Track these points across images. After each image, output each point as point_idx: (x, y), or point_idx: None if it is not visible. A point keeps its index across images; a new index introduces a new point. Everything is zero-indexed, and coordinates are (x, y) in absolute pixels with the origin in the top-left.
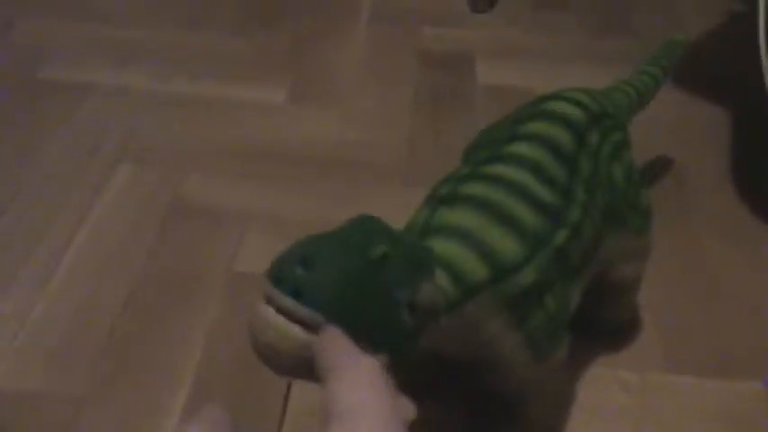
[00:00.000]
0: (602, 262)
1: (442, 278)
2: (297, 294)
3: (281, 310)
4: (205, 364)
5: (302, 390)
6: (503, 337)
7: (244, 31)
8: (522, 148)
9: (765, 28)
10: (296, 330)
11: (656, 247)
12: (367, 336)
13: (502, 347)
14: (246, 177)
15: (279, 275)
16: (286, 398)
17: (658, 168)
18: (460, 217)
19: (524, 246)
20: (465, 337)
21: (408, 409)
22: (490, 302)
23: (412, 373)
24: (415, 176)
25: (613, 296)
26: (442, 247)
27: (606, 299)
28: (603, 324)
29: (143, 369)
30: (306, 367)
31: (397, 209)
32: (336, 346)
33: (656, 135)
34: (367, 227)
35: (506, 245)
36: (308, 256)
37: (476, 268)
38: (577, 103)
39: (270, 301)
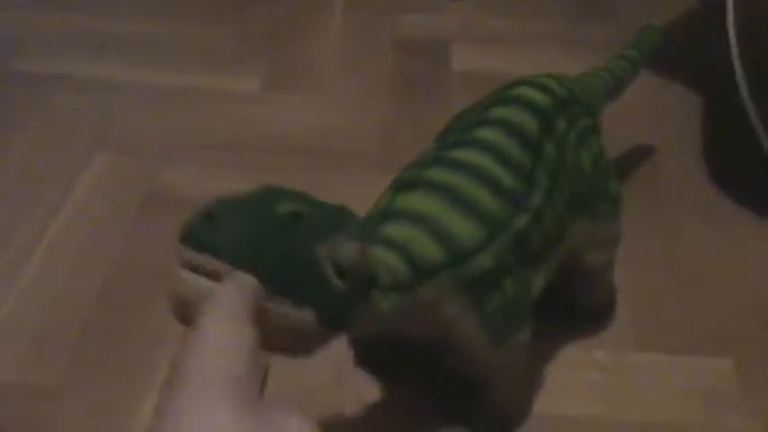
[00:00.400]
0: (569, 248)
1: (394, 259)
2: (200, 247)
3: (186, 265)
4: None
5: (279, 380)
6: (461, 320)
7: (218, 20)
8: (485, 133)
9: (734, 13)
10: (201, 281)
11: (630, 231)
12: (286, 288)
13: (460, 330)
14: (222, 166)
15: (183, 233)
16: (262, 385)
17: (633, 154)
18: (418, 201)
19: (482, 229)
20: (424, 319)
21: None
22: (447, 285)
23: (380, 355)
24: (392, 163)
25: (584, 281)
26: (397, 229)
27: (578, 284)
28: (579, 308)
29: (119, 359)
30: None
31: (374, 195)
32: (221, 300)
33: (630, 121)
34: (277, 191)
35: (464, 228)
36: (211, 213)
37: (431, 251)
38: (545, 89)
39: (179, 259)
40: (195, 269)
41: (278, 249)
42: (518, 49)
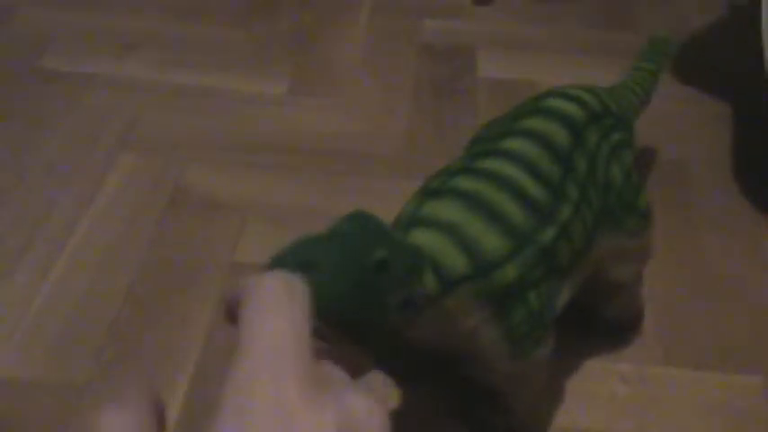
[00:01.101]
0: (595, 262)
1: (425, 272)
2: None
3: None
4: (205, 352)
5: None
6: (482, 331)
7: (244, 23)
8: (515, 144)
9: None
10: None
11: (657, 243)
12: (355, 333)
13: (481, 341)
14: (246, 168)
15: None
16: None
17: (661, 165)
18: (446, 210)
19: (509, 241)
20: (445, 330)
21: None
22: (471, 296)
23: (396, 363)
24: (415, 168)
25: (610, 296)
26: (425, 238)
27: (603, 298)
28: (603, 323)
29: (144, 358)
30: None
31: (397, 201)
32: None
33: (656, 130)
34: (366, 227)
35: (490, 239)
36: (308, 261)
37: (457, 261)
38: (578, 101)
39: None
40: None
41: (361, 304)
42: (543, 55)
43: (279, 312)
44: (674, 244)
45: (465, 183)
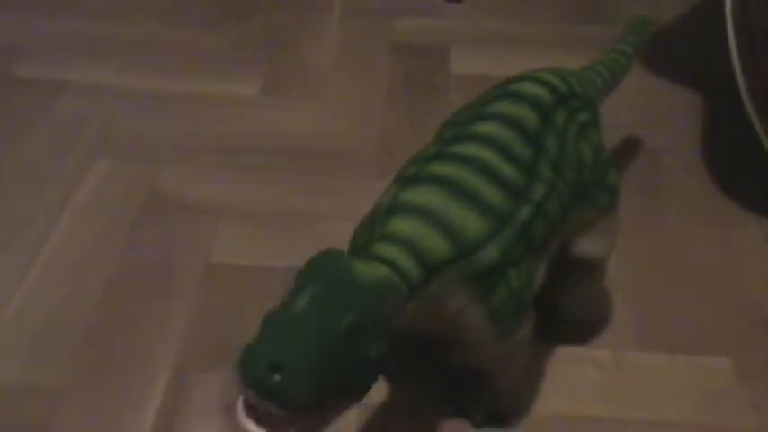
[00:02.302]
0: (565, 236)
1: (403, 257)
2: (266, 396)
3: (250, 408)
4: (184, 354)
5: None
6: (467, 313)
7: (216, 26)
8: (486, 128)
9: (732, 11)
10: None
11: (627, 229)
12: (339, 394)
13: (466, 322)
14: (221, 170)
15: (252, 380)
16: None
17: (632, 153)
18: (424, 196)
19: (488, 222)
20: (430, 313)
21: None
22: (454, 279)
23: (393, 365)
24: (391, 166)
25: (576, 277)
26: (405, 225)
27: (569, 281)
28: (569, 318)
29: (122, 361)
30: None
31: (372, 199)
32: None
33: (627, 118)
34: (330, 290)
35: (470, 222)
36: (276, 363)
37: (439, 246)
38: (543, 83)
39: (246, 399)
40: (257, 409)
41: (338, 373)
42: (516, 50)
43: None
44: (646, 231)
45: (440, 168)
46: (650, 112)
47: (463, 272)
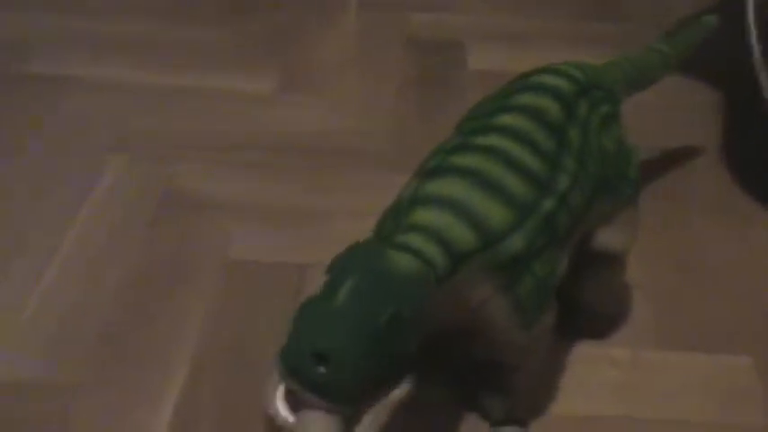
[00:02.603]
0: (586, 228)
1: (429, 247)
2: (318, 392)
3: (289, 396)
4: (200, 351)
5: None
6: (491, 303)
7: (228, 21)
8: (509, 119)
9: (754, 8)
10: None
11: (647, 227)
12: (377, 387)
13: (490, 313)
14: (236, 167)
15: (296, 370)
16: None
17: (652, 151)
18: (448, 187)
19: (512, 213)
20: (454, 304)
21: None
22: (479, 269)
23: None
24: (405, 163)
25: (596, 270)
26: (430, 215)
27: (589, 274)
28: (588, 312)
29: (139, 357)
30: None
31: (387, 195)
32: None
33: (647, 118)
34: (369, 282)
35: (494, 212)
36: (320, 354)
37: (464, 236)
38: (566, 75)
39: (291, 393)
40: (296, 398)
41: (382, 366)
42: (531, 46)
43: None
44: (666, 230)
45: (463, 159)
46: (670, 111)
47: (488, 262)
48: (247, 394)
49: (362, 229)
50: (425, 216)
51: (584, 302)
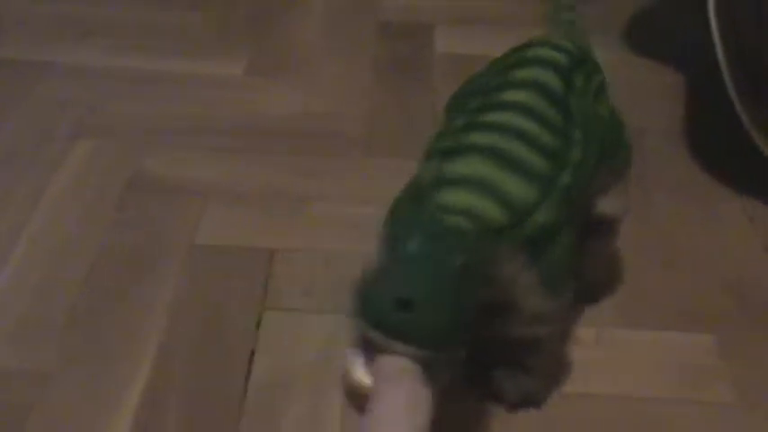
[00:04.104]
0: (591, 196)
1: (468, 226)
2: (404, 338)
3: (369, 347)
4: (168, 335)
5: (265, 360)
6: (522, 275)
7: (201, 5)
8: (517, 95)
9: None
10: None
11: None
12: (454, 339)
13: (520, 284)
14: (206, 151)
15: (380, 318)
16: (249, 369)
17: None
18: (471, 166)
19: (536, 188)
20: (487, 279)
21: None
22: (509, 244)
23: None
24: (377, 146)
25: (594, 237)
26: (459, 196)
27: (588, 241)
28: (582, 280)
29: (107, 342)
30: None
31: (360, 178)
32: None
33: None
34: (437, 235)
35: (520, 189)
36: (403, 300)
37: (495, 213)
38: (560, 48)
39: (374, 345)
40: (374, 347)
41: (462, 311)
42: (501, 29)
43: (397, 391)
44: (630, 211)
45: (480, 138)
46: (634, 93)
47: (517, 237)
48: (215, 380)
49: (335, 212)
50: (455, 196)
51: (580, 270)
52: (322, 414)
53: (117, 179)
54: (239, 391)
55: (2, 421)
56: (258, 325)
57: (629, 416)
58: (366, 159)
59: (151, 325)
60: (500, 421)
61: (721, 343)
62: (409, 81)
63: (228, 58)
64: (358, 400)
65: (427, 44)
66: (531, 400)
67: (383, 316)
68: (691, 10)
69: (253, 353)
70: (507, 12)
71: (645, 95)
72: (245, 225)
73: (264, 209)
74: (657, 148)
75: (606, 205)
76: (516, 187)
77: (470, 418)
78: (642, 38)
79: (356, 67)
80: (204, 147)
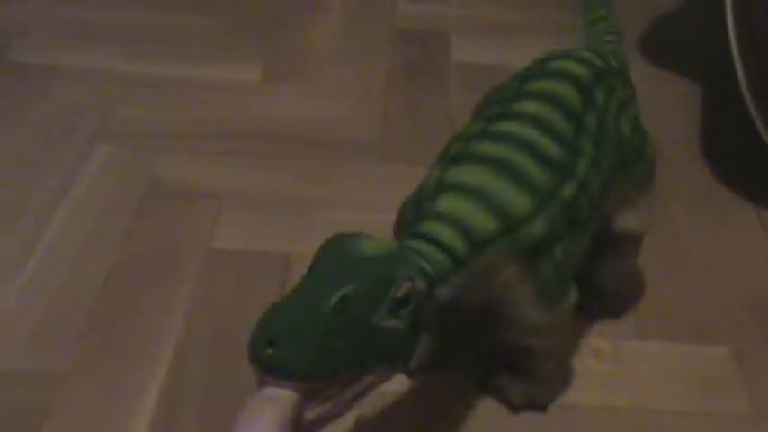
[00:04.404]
0: (605, 211)
1: (449, 235)
2: (271, 372)
3: (262, 385)
4: (184, 340)
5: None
6: (513, 287)
7: (216, 10)
8: (528, 106)
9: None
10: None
11: None
12: (360, 366)
13: (514, 296)
14: (222, 156)
15: (254, 357)
16: None
17: None
18: (470, 174)
19: (533, 199)
20: (476, 287)
21: None
22: (501, 254)
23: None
24: (391, 152)
25: (613, 252)
26: (451, 203)
27: (606, 256)
28: (602, 293)
29: (123, 346)
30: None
31: (373, 185)
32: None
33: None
34: (330, 266)
35: (515, 199)
36: (272, 336)
37: (485, 222)
38: (582, 61)
39: (259, 380)
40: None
41: (340, 343)
42: (516, 38)
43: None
44: (652, 227)
45: (485, 147)
46: (650, 103)
47: (510, 247)
48: (231, 383)
49: (348, 218)
50: (447, 204)
51: (601, 285)
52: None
53: (133, 184)
54: None
55: (20, 422)
56: None
57: (646, 428)
58: (379, 165)
59: (168, 328)
60: (509, 429)
61: (737, 355)
62: (423, 88)
63: (242, 62)
64: None
65: (442, 52)
66: (536, 402)
67: (256, 353)
68: (708, 20)
69: None
70: (523, 21)
71: (660, 106)
72: (261, 229)
73: (279, 213)
74: (673, 159)
75: (626, 220)
76: (512, 197)
77: (476, 420)
78: (657, 48)
79: (370, 74)
80: (218, 151)
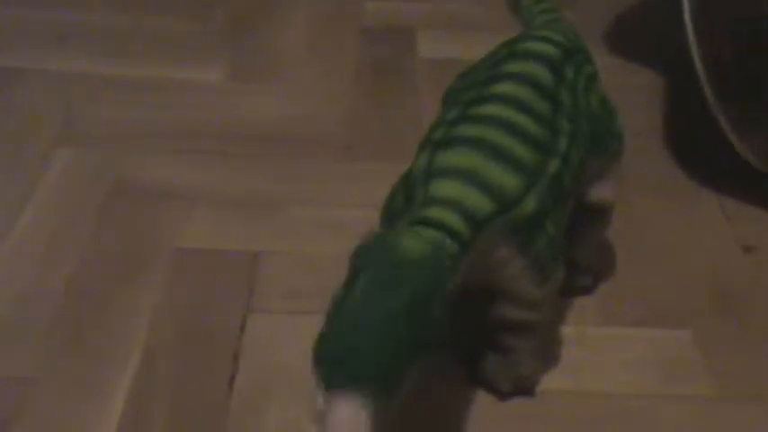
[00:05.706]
0: (584, 184)
1: (452, 218)
2: (348, 388)
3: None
4: (152, 341)
5: (249, 363)
6: (510, 263)
7: (181, 10)
8: (506, 88)
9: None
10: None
11: None
12: (418, 361)
13: (510, 271)
14: (188, 156)
15: (326, 376)
16: (233, 374)
17: None
18: (460, 158)
19: (522, 177)
20: (476, 267)
21: None
22: (498, 232)
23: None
24: (359, 150)
25: (588, 224)
26: (448, 187)
27: (582, 229)
28: (579, 267)
29: (90, 348)
30: None
31: (341, 182)
32: None
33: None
34: (383, 271)
35: (507, 179)
36: (347, 352)
37: (482, 203)
38: (550, 41)
39: (324, 397)
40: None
41: (410, 341)
42: (482, 34)
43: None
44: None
45: (470, 130)
46: (612, 94)
47: (505, 225)
48: (199, 383)
49: (316, 215)
50: (443, 188)
51: (576, 259)
52: (305, 417)
53: (99, 185)
54: (224, 394)
55: None
56: (242, 328)
57: (612, 412)
58: (348, 163)
59: (135, 329)
60: (482, 416)
61: (700, 338)
62: (391, 85)
63: (209, 62)
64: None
65: (409, 48)
66: (523, 387)
67: (327, 369)
68: (671, 11)
69: (237, 355)
70: (490, 16)
71: (624, 97)
72: (229, 228)
73: (247, 212)
74: (635, 147)
75: (598, 193)
76: (503, 177)
77: (458, 409)
78: (620, 40)
79: (338, 71)
80: (186, 151)
